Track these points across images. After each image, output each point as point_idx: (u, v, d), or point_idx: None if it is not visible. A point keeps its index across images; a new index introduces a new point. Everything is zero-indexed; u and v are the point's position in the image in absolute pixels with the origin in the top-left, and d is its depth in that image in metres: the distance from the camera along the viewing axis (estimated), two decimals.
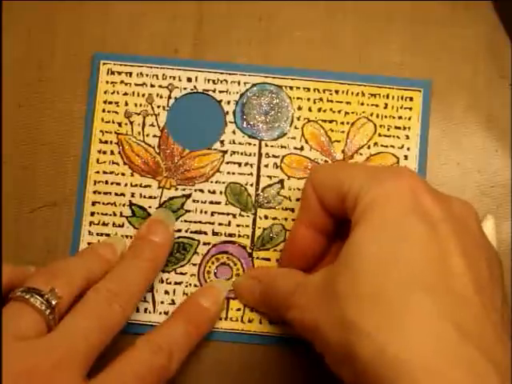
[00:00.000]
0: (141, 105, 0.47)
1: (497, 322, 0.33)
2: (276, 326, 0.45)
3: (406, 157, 0.47)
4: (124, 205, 0.47)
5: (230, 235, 0.47)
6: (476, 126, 0.48)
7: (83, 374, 0.37)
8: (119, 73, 0.48)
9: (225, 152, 0.47)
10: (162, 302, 0.46)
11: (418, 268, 0.33)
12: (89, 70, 0.48)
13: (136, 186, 0.47)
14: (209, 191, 0.47)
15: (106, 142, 0.47)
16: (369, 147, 0.47)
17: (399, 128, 0.47)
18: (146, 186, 0.47)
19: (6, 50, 0.48)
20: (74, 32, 0.48)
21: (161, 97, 0.48)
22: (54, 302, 0.38)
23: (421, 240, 0.34)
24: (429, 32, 0.48)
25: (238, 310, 0.46)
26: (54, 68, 0.48)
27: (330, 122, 0.47)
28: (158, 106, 0.47)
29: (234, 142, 0.47)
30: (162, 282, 0.46)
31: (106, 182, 0.47)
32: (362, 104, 0.47)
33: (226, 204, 0.47)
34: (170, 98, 0.48)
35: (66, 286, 0.39)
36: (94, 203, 0.47)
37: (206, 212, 0.47)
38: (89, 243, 0.46)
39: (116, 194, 0.47)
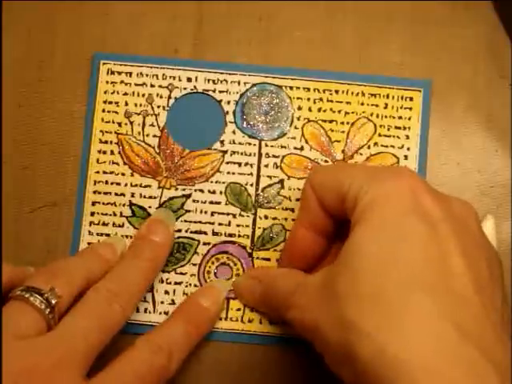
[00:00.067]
0: (141, 105, 0.47)
1: (497, 322, 0.33)
2: (276, 326, 0.45)
3: (406, 157, 0.47)
4: (124, 205, 0.47)
5: (230, 235, 0.47)
6: (476, 126, 0.48)
7: (83, 373, 0.37)
8: (119, 73, 0.48)
9: (225, 152, 0.47)
10: (162, 302, 0.46)
11: (417, 268, 0.33)
12: (89, 69, 0.48)
13: (136, 185, 0.47)
14: (209, 191, 0.47)
15: (106, 142, 0.47)
16: (369, 147, 0.47)
17: (399, 128, 0.47)
18: (145, 186, 0.47)
19: (6, 50, 0.48)
20: (74, 32, 0.48)
21: (161, 97, 0.48)
22: (53, 302, 0.38)
23: (421, 240, 0.34)
24: (429, 32, 0.48)
25: (238, 310, 0.46)
26: (53, 68, 0.48)
27: (330, 121, 0.47)
28: (158, 106, 0.47)
29: (233, 142, 0.47)
30: (162, 282, 0.46)
31: (106, 182, 0.47)
32: (362, 104, 0.47)
33: (226, 204, 0.47)
34: (170, 98, 0.48)
35: (66, 285, 0.39)
36: (93, 203, 0.47)
37: (205, 212, 0.47)
38: (89, 243, 0.46)
39: (116, 194, 0.47)
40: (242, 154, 0.47)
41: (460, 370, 0.31)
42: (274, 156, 0.47)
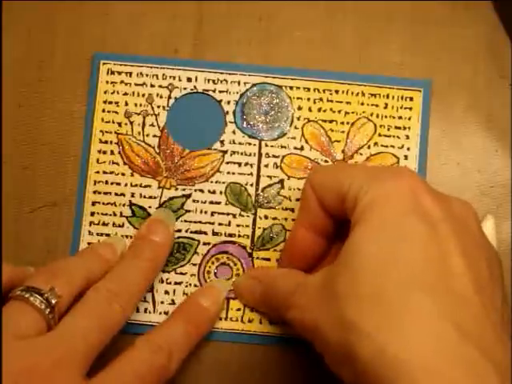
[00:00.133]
0: (141, 105, 0.47)
1: (497, 322, 0.33)
2: (276, 326, 0.45)
3: (406, 157, 0.47)
4: (124, 205, 0.47)
5: (230, 235, 0.47)
6: (476, 126, 0.48)
7: (83, 373, 0.37)
8: (119, 73, 0.48)
9: (225, 152, 0.47)
10: (162, 302, 0.46)
11: (417, 268, 0.33)
12: (89, 69, 0.48)
13: (136, 185, 0.47)
14: (209, 191, 0.47)
15: (106, 142, 0.47)
16: (369, 147, 0.47)
17: (399, 128, 0.47)
18: (146, 186, 0.47)
19: (6, 50, 0.48)
20: (74, 32, 0.48)
21: (161, 97, 0.48)
22: (53, 301, 0.38)
23: (420, 240, 0.34)
24: (429, 32, 0.48)
25: (238, 310, 0.46)
26: (54, 68, 0.48)
27: (330, 121, 0.47)
28: (158, 106, 0.47)
29: (234, 142, 0.47)
30: (162, 282, 0.46)
31: (106, 182, 0.47)
32: (362, 104, 0.47)
33: (226, 204, 0.47)
34: (170, 97, 0.48)
35: (66, 285, 0.39)
36: (93, 203, 0.47)
37: (205, 212, 0.47)
38: (89, 243, 0.46)
39: (116, 194, 0.47)
40: (242, 154, 0.47)
41: (460, 369, 0.31)
42: (274, 156, 0.47)
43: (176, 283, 0.46)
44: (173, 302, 0.46)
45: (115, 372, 0.38)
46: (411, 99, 0.47)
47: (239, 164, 0.47)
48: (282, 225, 0.47)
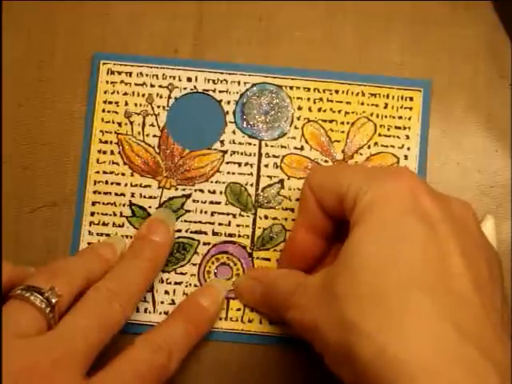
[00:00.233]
0: (141, 105, 0.47)
1: (496, 322, 0.33)
2: (276, 326, 0.45)
3: (406, 157, 0.47)
4: (124, 205, 0.47)
5: (230, 235, 0.46)
6: (476, 126, 0.48)
7: (83, 372, 0.37)
8: (119, 73, 0.48)
9: (225, 152, 0.47)
10: (162, 302, 0.46)
11: (417, 268, 0.33)
12: (89, 69, 0.48)
13: (136, 186, 0.47)
14: (209, 191, 0.47)
15: (106, 142, 0.47)
16: (369, 147, 0.47)
17: (399, 128, 0.47)
18: (145, 186, 0.47)
19: (6, 50, 0.48)
20: (74, 32, 0.48)
21: (161, 97, 0.48)
22: (53, 301, 0.38)
23: (420, 240, 0.34)
24: (429, 32, 0.48)
25: (238, 310, 0.46)
26: (54, 68, 0.48)
27: (330, 121, 0.47)
28: (158, 106, 0.47)
29: (234, 142, 0.47)
30: (162, 282, 0.46)
31: (106, 182, 0.47)
32: (362, 104, 0.47)
33: (226, 204, 0.47)
34: (169, 97, 0.48)
35: (66, 285, 0.39)
36: (93, 203, 0.47)
37: (205, 212, 0.47)
38: (89, 243, 0.46)
39: (116, 194, 0.47)
40: (242, 153, 0.47)
41: (460, 370, 0.31)
42: (274, 156, 0.47)
43: (176, 283, 0.46)
44: (173, 302, 0.46)
45: (115, 371, 0.38)
46: (411, 99, 0.47)
47: (239, 164, 0.47)
48: (282, 225, 0.47)
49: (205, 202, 0.47)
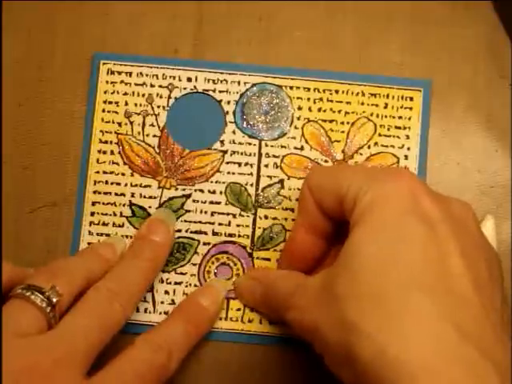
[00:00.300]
0: (141, 105, 0.47)
1: (496, 323, 0.33)
2: (276, 326, 0.45)
3: (406, 157, 0.47)
4: (124, 205, 0.47)
5: (230, 235, 0.46)
6: (476, 126, 0.48)
7: (83, 372, 0.37)
8: (119, 73, 0.48)
9: (225, 152, 0.47)
10: (162, 302, 0.46)
11: (417, 269, 0.33)
12: (89, 69, 0.48)
13: (136, 186, 0.47)
14: (209, 191, 0.47)
15: (106, 142, 0.47)
16: (369, 147, 0.47)
17: (399, 128, 0.47)
18: (145, 186, 0.47)
19: (6, 50, 0.48)
20: (74, 32, 0.48)
21: (161, 97, 0.48)
22: (54, 300, 0.38)
23: (420, 241, 0.34)
24: (429, 32, 0.48)
25: (238, 310, 0.46)
26: (54, 68, 0.48)
27: (330, 121, 0.47)
28: (158, 106, 0.47)
29: (234, 142, 0.47)
30: (162, 282, 0.46)
31: (106, 182, 0.47)
32: (362, 104, 0.47)
33: (226, 204, 0.47)
34: (169, 97, 0.48)
35: (67, 284, 0.39)
36: (93, 203, 0.47)
37: (205, 212, 0.47)
38: (89, 243, 0.46)
39: (116, 194, 0.47)
40: (242, 153, 0.47)
41: (460, 370, 0.31)
42: (274, 156, 0.47)
43: (176, 283, 0.46)
44: (173, 302, 0.46)
45: (115, 371, 0.38)
46: (411, 99, 0.47)
47: (239, 164, 0.47)
48: (282, 225, 0.47)
49: (205, 202, 0.47)
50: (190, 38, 0.48)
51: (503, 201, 0.47)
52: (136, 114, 0.47)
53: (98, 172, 0.47)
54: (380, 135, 0.47)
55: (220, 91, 0.48)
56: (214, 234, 0.47)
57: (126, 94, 0.48)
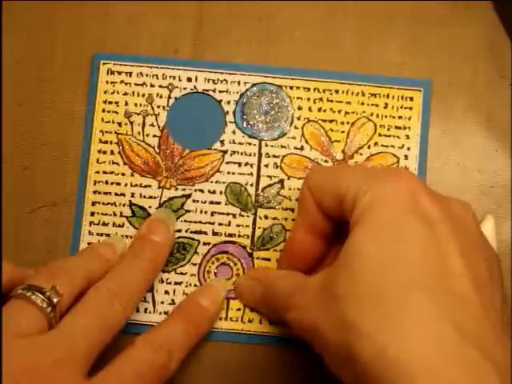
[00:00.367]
0: (141, 105, 0.47)
1: (496, 323, 0.33)
2: (276, 326, 0.45)
3: (406, 156, 0.47)
4: (124, 205, 0.47)
5: (230, 235, 0.46)
6: (476, 126, 0.48)
7: (84, 372, 0.37)
8: (119, 73, 0.48)
9: (225, 152, 0.47)
10: (162, 302, 0.46)
11: (417, 269, 0.33)
12: (89, 69, 0.48)
13: (136, 186, 0.47)
14: (209, 191, 0.47)
15: (106, 142, 0.47)
16: (369, 147, 0.47)
17: (399, 128, 0.47)
18: (145, 186, 0.47)
19: (6, 49, 0.48)
20: (74, 32, 0.48)
21: (161, 97, 0.48)
22: (55, 300, 0.38)
23: (419, 241, 0.34)
24: (429, 32, 0.48)
25: (238, 310, 0.46)
26: (54, 68, 0.48)
27: (330, 121, 0.47)
28: (158, 106, 0.47)
29: (234, 142, 0.47)
30: (162, 282, 0.46)
31: (106, 182, 0.47)
32: (362, 104, 0.47)
33: (226, 204, 0.47)
34: (169, 97, 0.48)
35: (67, 284, 0.39)
36: (93, 203, 0.47)
37: (205, 212, 0.47)
38: (89, 243, 0.46)
39: (116, 194, 0.47)
40: (242, 153, 0.47)
41: (460, 370, 0.31)
42: (274, 156, 0.47)
43: (176, 283, 0.46)
44: (173, 302, 0.46)
45: (116, 371, 0.38)
46: (411, 99, 0.47)
47: (239, 164, 0.47)
48: (282, 225, 0.47)
49: (205, 202, 0.47)
50: (190, 38, 0.48)
51: (503, 201, 0.47)
52: (136, 114, 0.47)
53: (98, 172, 0.47)
54: (380, 135, 0.47)
55: (220, 91, 0.48)
56: (214, 234, 0.47)
57: (125, 94, 0.48)
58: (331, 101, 0.48)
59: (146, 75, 0.48)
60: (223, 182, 0.47)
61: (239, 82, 0.48)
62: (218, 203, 0.47)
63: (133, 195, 0.47)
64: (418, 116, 0.47)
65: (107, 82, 0.48)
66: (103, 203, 0.47)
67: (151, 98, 0.47)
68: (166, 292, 0.46)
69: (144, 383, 0.38)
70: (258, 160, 0.47)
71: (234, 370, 0.45)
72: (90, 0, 0.48)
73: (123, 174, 0.47)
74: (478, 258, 0.35)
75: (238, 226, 0.47)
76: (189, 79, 0.48)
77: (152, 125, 0.47)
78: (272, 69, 0.48)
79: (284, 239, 0.46)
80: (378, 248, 0.34)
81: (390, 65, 0.48)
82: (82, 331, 0.38)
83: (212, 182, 0.47)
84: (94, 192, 0.47)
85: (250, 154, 0.47)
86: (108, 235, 0.46)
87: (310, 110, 0.47)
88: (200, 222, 0.47)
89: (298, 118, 0.47)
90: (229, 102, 0.48)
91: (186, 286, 0.46)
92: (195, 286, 0.46)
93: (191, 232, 0.46)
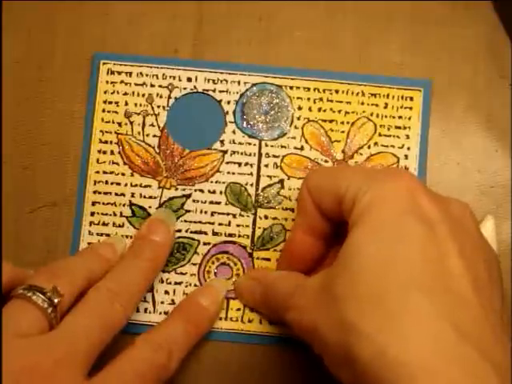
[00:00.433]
0: (141, 105, 0.47)
1: (496, 324, 0.33)
2: (276, 326, 0.45)
3: (406, 156, 0.47)
4: (124, 205, 0.47)
5: (230, 235, 0.47)
6: (476, 126, 0.48)
7: (84, 372, 0.37)
8: (119, 73, 0.48)
9: (225, 152, 0.47)
10: (162, 302, 0.46)
11: (416, 269, 0.33)
12: (89, 69, 0.48)
13: (136, 186, 0.47)
14: (209, 191, 0.47)
15: (106, 142, 0.47)
16: (369, 147, 0.47)
17: (399, 128, 0.47)
18: (146, 186, 0.47)
19: (6, 49, 0.48)
20: (74, 32, 0.48)
21: (161, 97, 0.48)
22: (56, 300, 0.38)
23: (419, 241, 0.34)
24: (429, 32, 0.48)
25: (238, 309, 0.46)
26: (54, 68, 0.48)
27: (330, 121, 0.47)
28: (158, 106, 0.47)
29: (234, 142, 0.47)
30: (162, 282, 0.46)
31: (106, 182, 0.47)
32: (362, 104, 0.47)
33: (226, 204, 0.47)
34: (169, 97, 0.48)
35: (68, 285, 0.39)
36: (93, 203, 0.47)
37: (206, 212, 0.47)
38: (89, 243, 0.46)
39: (116, 194, 0.47)
40: (242, 153, 0.47)
41: (459, 370, 0.31)
42: (274, 156, 0.47)
43: (176, 283, 0.46)
44: (173, 302, 0.46)
45: (116, 371, 0.38)
46: (411, 99, 0.47)
47: (239, 164, 0.47)
48: (282, 225, 0.47)
49: (205, 202, 0.47)
50: (190, 38, 0.48)
51: (503, 201, 0.47)
52: (136, 114, 0.47)
53: (98, 172, 0.47)
54: (380, 135, 0.47)
55: (220, 91, 0.48)
56: (214, 233, 0.47)
57: (126, 94, 0.48)
58: (331, 101, 0.48)
59: (146, 75, 0.48)
60: (223, 182, 0.47)
61: (239, 82, 0.48)
62: (218, 203, 0.47)
63: (133, 195, 0.47)
64: (418, 116, 0.47)
65: (107, 81, 0.48)
66: (103, 203, 0.47)
67: (151, 98, 0.47)
68: (166, 292, 0.46)
69: (144, 383, 0.38)
70: (257, 160, 0.47)
71: (234, 370, 0.45)
72: (90, 0, 0.48)
73: (123, 174, 0.47)
74: (478, 258, 0.35)
75: (238, 226, 0.47)
76: (189, 79, 0.48)
77: (152, 125, 0.47)
78: (272, 69, 0.48)
79: (284, 239, 0.46)
80: (378, 248, 0.34)
81: (389, 65, 0.48)
82: (83, 331, 0.38)
83: (212, 182, 0.47)
84: (94, 192, 0.47)
85: (250, 154, 0.47)
86: (108, 235, 0.46)
87: (310, 109, 0.47)
88: (200, 222, 0.47)
89: (298, 118, 0.47)
90: (229, 102, 0.48)
91: (186, 286, 0.46)
92: (195, 285, 0.46)
93: (191, 232, 0.46)
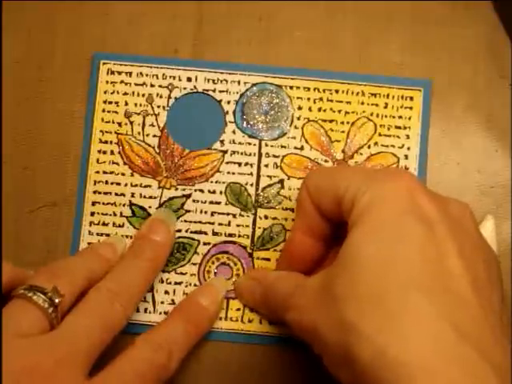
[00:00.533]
0: (141, 105, 0.47)
1: (495, 325, 0.33)
2: (276, 326, 0.45)
3: (406, 156, 0.47)
4: (124, 205, 0.47)
5: (230, 235, 0.46)
6: (476, 126, 0.48)
7: (85, 372, 0.37)
8: (119, 73, 0.48)
9: (225, 152, 0.47)
10: (162, 302, 0.46)
11: (415, 269, 0.33)
12: (89, 69, 0.48)
13: (136, 186, 0.47)
14: (209, 191, 0.47)
15: (106, 142, 0.47)
16: (369, 147, 0.47)
17: (399, 127, 0.47)
18: (146, 186, 0.47)
19: (6, 50, 0.48)
20: (74, 32, 0.48)
21: (161, 97, 0.48)
22: (56, 300, 0.38)
23: (418, 241, 0.34)
24: (429, 32, 0.48)
25: (238, 309, 0.46)
26: (54, 68, 0.48)
27: (330, 121, 0.47)
28: (158, 106, 0.47)
29: (234, 142, 0.47)
30: (162, 282, 0.46)
31: (106, 182, 0.47)
32: (362, 103, 0.47)
33: (226, 204, 0.47)
34: (169, 97, 0.48)
35: (68, 285, 0.39)
36: (94, 203, 0.47)
37: (205, 212, 0.47)
38: (89, 243, 0.46)
39: (116, 194, 0.47)
40: (241, 153, 0.47)
41: (458, 370, 0.31)
42: (274, 156, 0.47)
43: (176, 283, 0.46)
44: (173, 302, 0.46)
45: (116, 371, 0.38)
46: (411, 99, 0.47)
47: (239, 164, 0.47)
48: (282, 225, 0.47)
49: (205, 202, 0.47)
50: (190, 38, 0.48)
51: (503, 201, 0.47)
52: (136, 114, 0.47)
53: (98, 172, 0.47)
54: (380, 135, 0.47)
55: (220, 91, 0.48)
56: (214, 233, 0.47)
57: (126, 94, 0.48)
58: (331, 101, 0.48)
59: (146, 75, 0.48)
60: (223, 182, 0.47)
61: (239, 82, 0.48)
62: (218, 203, 0.47)
63: (133, 195, 0.47)
64: (418, 116, 0.47)
65: (107, 81, 0.48)
66: (103, 203, 0.47)
67: (151, 98, 0.47)
68: (166, 292, 0.46)
69: (144, 383, 0.38)
70: (257, 160, 0.47)
71: (234, 370, 0.45)
72: (90, 0, 0.48)
73: (123, 174, 0.47)
74: (477, 258, 0.35)
75: (237, 226, 0.47)
76: (189, 79, 0.48)
77: (152, 125, 0.47)
78: (272, 69, 0.48)
79: (284, 239, 0.46)
80: (377, 248, 0.34)
81: (389, 65, 0.48)
82: (84, 331, 0.38)
83: (212, 181, 0.47)
84: (94, 192, 0.47)
85: (250, 154, 0.47)
86: (108, 235, 0.46)
87: (310, 109, 0.47)
88: (200, 222, 0.47)
89: (298, 118, 0.47)
90: (229, 102, 0.48)
91: (186, 286, 0.46)
92: (195, 285, 0.46)
93: (191, 232, 0.46)
